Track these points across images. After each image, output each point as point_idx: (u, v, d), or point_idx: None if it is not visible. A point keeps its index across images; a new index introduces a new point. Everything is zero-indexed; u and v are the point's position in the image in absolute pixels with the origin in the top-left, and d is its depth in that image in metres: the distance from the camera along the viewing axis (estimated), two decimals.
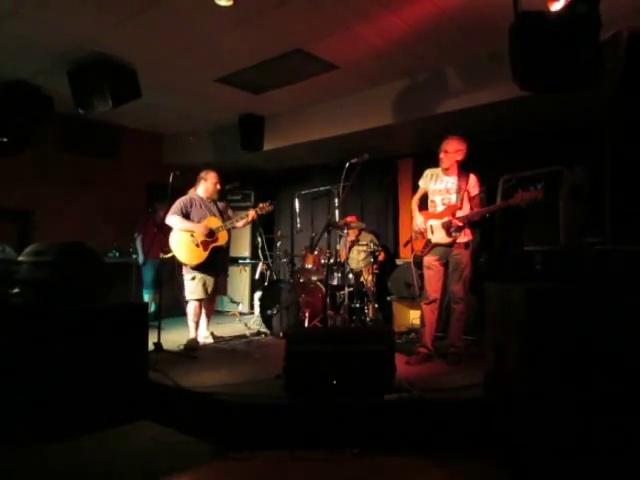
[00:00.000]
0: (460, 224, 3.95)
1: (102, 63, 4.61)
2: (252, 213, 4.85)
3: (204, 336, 4.99)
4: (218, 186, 4.91)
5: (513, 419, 2.45)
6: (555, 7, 2.91)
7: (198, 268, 4.68)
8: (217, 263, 4.78)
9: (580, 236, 4.36)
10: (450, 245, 4.02)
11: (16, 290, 3.37)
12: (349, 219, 6.12)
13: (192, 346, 4.63)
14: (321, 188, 6.64)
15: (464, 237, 4.02)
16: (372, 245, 5.63)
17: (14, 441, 2.87)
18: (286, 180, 8.04)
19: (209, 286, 4.74)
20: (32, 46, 4.46)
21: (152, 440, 2.95)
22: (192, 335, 4.77)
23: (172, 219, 4.67)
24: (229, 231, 4.90)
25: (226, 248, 4.99)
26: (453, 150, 4.02)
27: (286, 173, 8.00)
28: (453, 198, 4.06)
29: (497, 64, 4.20)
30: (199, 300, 4.76)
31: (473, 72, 4.71)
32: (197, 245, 4.62)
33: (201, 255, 4.64)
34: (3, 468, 2.63)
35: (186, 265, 4.71)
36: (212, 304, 5.13)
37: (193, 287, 4.71)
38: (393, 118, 5.33)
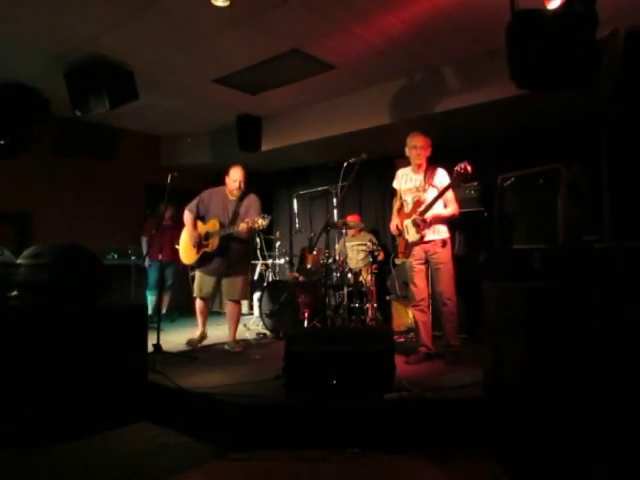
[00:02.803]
0: (424, 219, 3.89)
1: (99, 65, 4.62)
2: (243, 226, 4.35)
3: (233, 345, 4.69)
4: (236, 183, 4.59)
5: (513, 418, 2.45)
6: (552, 5, 2.92)
7: (198, 267, 4.76)
8: (215, 266, 4.63)
9: (578, 234, 4.36)
10: (426, 243, 3.97)
11: (15, 293, 3.37)
12: (351, 218, 6.13)
13: (191, 344, 4.69)
14: (319, 188, 6.65)
15: (439, 235, 3.96)
16: (371, 245, 5.64)
17: (14, 443, 2.87)
18: (284, 180, 8.05)
19: (205, 286, 4.70)
20: (29, 48, 4.46)
21: (152, 441, 2.94)
22: (199, 332, 4.82)
23: (184, 214, 4.74)
24: (230, 238, 4.58)
25: (237, 253, 4.64)
26: (423, 145, 3.98)
27: (284, 173, 8.01)
28: (422, 196, 4.01)
29: (495, 63, 4.21)
30: (200, 298, 4.79)
31: (471, 71, 4.72)
32: (193, 245, 4.65)
33: (191, 256, 4.68)
34: (3, 470, 2.63)
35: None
36: (231, 307, 4.76)
37: (195, 284, 4.82)
38: (391, 118, 5.34)
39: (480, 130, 5.43)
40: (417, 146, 3.98)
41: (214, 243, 4.53)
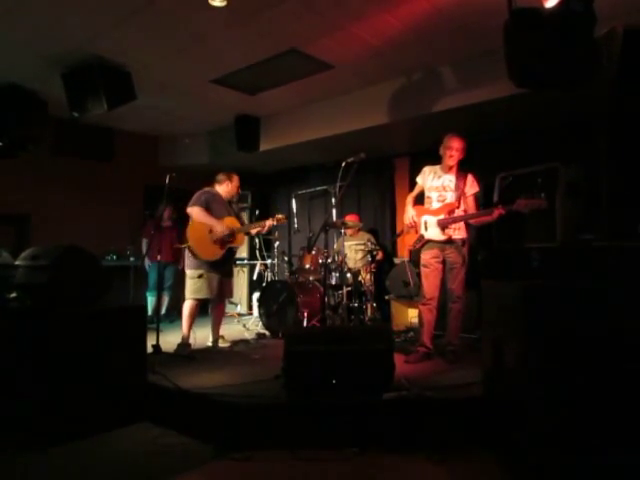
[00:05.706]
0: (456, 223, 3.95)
1: (96, 66, 4.60)
2: (269, 222, 4.70)
3: (214, 340, 4.85)
4: (239, 189, 4.99)
5: (513, 417, 2.45)
6: (549, 4, 2.91)
7: (208, 266, 4.55)
8: (228, 264, 4.78)
9: (576, 233, 4.36)
10: (445, 243, 4.02)
11: (13, 294, 3.37)
12: (349, 218, 6.13)
13: (181, 352, 4.45)
14: (318, 188, 6.65)
15: (459, 234, 4.02)
16: (370, 244, 5.64)
17: (14, 443, 2.87)
18: (283, 180, 8.05)
19: (215, 286, 4.60)
20: (26, 50, 4.45)
21: (152, 442, 2.94)
22: (184, 337, 4.60)
23: (195, 210, 4.57)
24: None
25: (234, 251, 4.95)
26: (458, 148, 4.02)
27: (283, 173, 8.01)
28: (449, 196, 4.06)
29: (493, 62, 4.21)
30: (199, 300, 4.63)
31: (469, 70, 4.72)
32: (214, 242, 4.52)
33: (216, 253, 4.52)
34: (3, 470, 2.62)
35: (197, 259, 4.53)
36: (222, 306, 4.97)
37: (198, 286, 4.55)
38: (389, 117, 5.33)
39: (479, 129, 5.42)
40: (452, 147, 4.02)
41: (241, 238, 4.83)
